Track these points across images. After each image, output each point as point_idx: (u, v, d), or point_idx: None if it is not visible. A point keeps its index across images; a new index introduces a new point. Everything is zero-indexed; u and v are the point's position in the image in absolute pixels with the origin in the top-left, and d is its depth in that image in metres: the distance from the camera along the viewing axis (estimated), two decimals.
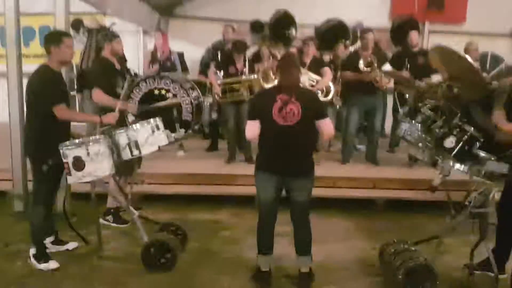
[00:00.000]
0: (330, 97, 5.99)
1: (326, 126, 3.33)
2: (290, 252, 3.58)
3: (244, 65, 5.88)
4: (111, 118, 3.80)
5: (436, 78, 4.80)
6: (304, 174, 3.37)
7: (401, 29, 7.28)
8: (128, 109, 4.59)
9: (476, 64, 5.69)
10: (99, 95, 4.34)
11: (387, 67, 5.82)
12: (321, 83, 5.82)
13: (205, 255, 4.00)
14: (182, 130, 5.81)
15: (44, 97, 3.55)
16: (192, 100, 5.77)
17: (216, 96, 5.92)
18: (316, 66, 5.89)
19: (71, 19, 5.61)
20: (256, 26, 8.00)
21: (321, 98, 5.87)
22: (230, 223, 4.77)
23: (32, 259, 3.68)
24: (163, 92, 5.98)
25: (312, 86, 5.76)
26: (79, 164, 3.25)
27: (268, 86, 5.53)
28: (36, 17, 8.26)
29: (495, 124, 3.06)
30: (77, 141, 3.38)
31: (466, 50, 5.96)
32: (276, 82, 5.53)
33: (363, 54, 5.82)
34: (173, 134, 4.23)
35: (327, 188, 5.30)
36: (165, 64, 6.46)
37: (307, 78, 5.74)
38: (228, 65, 5.88)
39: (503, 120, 3.07)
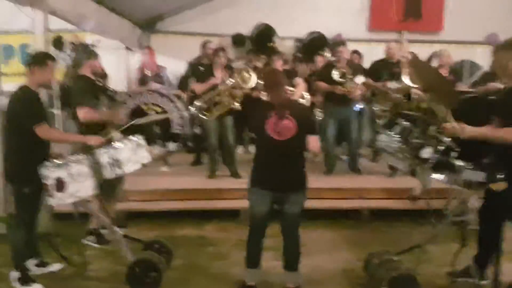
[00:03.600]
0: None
1: (313, 142, 3.40)
2: (276, 266, 3.59)
3: (225, 75, 5.83)
4: (95, 141, 3.77)
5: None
6: (299, 187, 3.41)
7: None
8: (118, 121, 4.31)
9: (446, 71, 5.79)
10: (87, 114, 4.22)
11: (360, 79, 5.90)
12: (296, 94, 5.90)
13: (191, 271, 3.98)
14: (174, 144, 5.82)
15: (26, 117, 3.52)
16: (183, 113, 5.77)
17: (200, 113, 5.84)
18: (288, 78, 5.93)
19: (50, 37, 5.61)
20: (237, 40, 8.10)
21: None
22: (216, 238, 4.75)
23: (16, 283, 3.62)
24: (151, 107, 5.99)
25: None
26: (60, 185, 3.23)
27: (247, 86, 5.58)
28: (16, 35, 8.20)
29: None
30: (58, 161, 3.36)
31: (439, 58, 6.04)
32: (253, 80, 5.63)
33: (337, 66, 5.91)
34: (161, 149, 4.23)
35: (311, 199, 5.28)
36: (155, 80, 6.47)
37: None
38: (208, 79, 5.81)
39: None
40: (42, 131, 3.52)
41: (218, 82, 5.75)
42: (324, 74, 6.05)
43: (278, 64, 6.05)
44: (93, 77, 4.49)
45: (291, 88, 5.88)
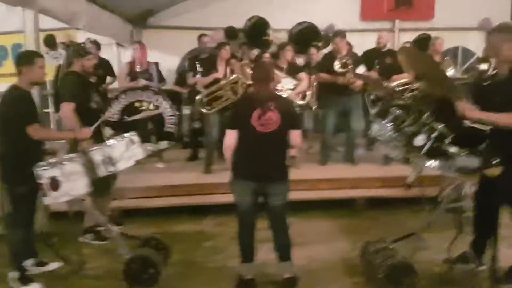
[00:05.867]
0: (306, 101, 6.10)
1: (297, 137, 3.44)
2: (273, 258, 3.59)
3: (227, 70, 5.79)
4: (86, 132, 3.76)
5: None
6: (281, 179, 3.42)
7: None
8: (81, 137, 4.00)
9: (440, 57, 5.77)
10: (66, 112, 4.18)
11: (362, 68, 5.89)
12: (300, 88, 5.91)
13: (189, 267, 3.99)
14: (165, 142, 5.80)
15: (17, 118, 3.50)
16: (176, 112, 5.75)
17: (201, 107, 5.77)
18: (293, 72, 5.95)
19: (42, 36, 5.56)
20: (230, 33, 8.05)
21: (298, 101, 5.97)
22: (213, 233, 4.75)
23: (14, 283, 3.62)
24: (144, 104, 5.96)
25: (291, 89, 5.84)
26: (54, 184, 3.21)
27: (249, 82, 5.55)
28: (9, 35, 8.16)
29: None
30: (51, 161, 3.34)
31: (432, 45, 6.03)
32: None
33: (337, 56, 5.89)
34: (153, 147, 4.22)
35: (307, 190, 5.34)
36: (143, 76, 6.43)
37: (288, 81, 5.84)
38: (210, 73, 5.78)
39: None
40: (33, 131, 3.51)
41: (220, 76, 5.73)
42: (326, 65, 6.02)
43: (289, 54, 6.03)
44: (82, 74, 4.45)
45: (295, 82, 5.88)
